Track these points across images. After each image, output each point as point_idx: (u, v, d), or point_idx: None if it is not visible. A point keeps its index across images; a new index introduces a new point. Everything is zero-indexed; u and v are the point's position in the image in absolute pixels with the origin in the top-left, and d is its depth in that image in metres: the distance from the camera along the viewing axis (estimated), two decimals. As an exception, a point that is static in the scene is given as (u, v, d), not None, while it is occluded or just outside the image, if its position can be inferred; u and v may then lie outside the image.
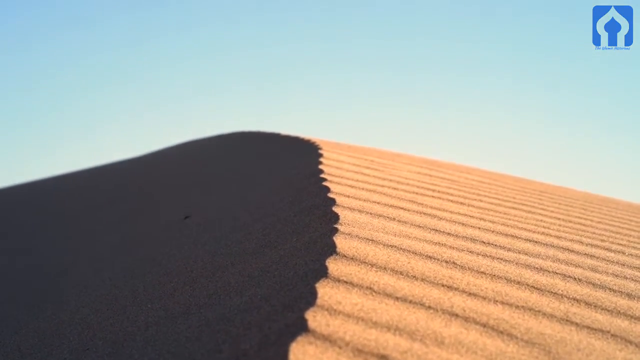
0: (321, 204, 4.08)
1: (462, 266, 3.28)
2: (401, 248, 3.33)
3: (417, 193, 5.21)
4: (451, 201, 5.20)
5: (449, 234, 3.96)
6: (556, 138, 24.63)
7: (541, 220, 5.22)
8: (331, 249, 3.05)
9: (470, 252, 3.61)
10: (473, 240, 3.93)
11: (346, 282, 2.67)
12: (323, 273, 2.73)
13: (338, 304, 2.45)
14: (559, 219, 5.52)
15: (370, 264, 2.95)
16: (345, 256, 2.97)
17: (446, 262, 3.29)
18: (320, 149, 6.74)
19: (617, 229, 5.55)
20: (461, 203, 5.22)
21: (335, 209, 3.90)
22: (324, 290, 2.55)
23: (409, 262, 3.12)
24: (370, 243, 3.27)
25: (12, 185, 15.08)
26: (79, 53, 26.44)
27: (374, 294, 2.63)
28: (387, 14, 22.85)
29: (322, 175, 5.05)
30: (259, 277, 3.18)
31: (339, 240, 3.18)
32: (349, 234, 3.34)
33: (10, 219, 10.45)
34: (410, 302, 2.64)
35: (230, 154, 10.01)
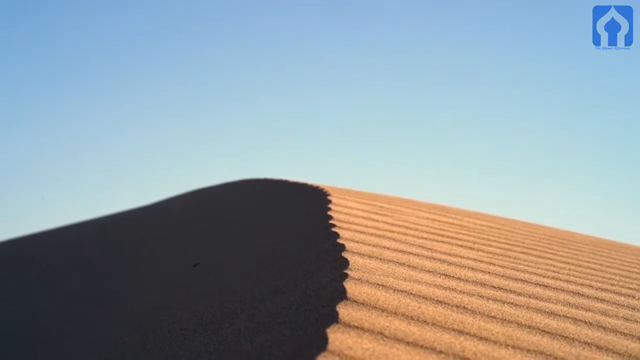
0: (331, 250, 4.09)
1: (472, 310, 3.28)
2: (411, 293, 3.33)
3: (426, 238, 5.21)
4: (460, 246, 5.20)
5: (459, 278, 3.96)
6: (562, 173, 24.55)
7: (551, 265, 5.22)
8: (341, 295, 3.05)
9: (480, 296, 3.61)
10: (483, 284, 3.93)
11: (357, 327, 2.68)
12: (334, 318, 2.74)
13: (349, 349, 2.45)
14: (568, 263, 5.51)
15: (380, 309, 2.96)
16: (356, 301, 2.98)
17: (457, 306, 3.29)
18: (328, 195, 6.76)
19: (626, 273, 5.54)
20: (470, 248, 5.23)
21: (344, 254, 3.91)
22: (335, 336, 2.55)
23: (419, 307, 3.12)
24: (380, 288, 3.27)
25: (25, 235, 15.10)
26: (84, 97, 26.65)
27: (385, 338, 2.64)
28: (392, 58, 23.01)
29: (331, 221, 5.06)
30: (270, 323, 3.18)
31: (349, 286, 3.19)
32: (359, 279, 3.35)
33: (24, 266, 10.46)
34: (422, 346, 2.64)
35: (238, 201, 10.04)
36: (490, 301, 3.55)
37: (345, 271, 3.49)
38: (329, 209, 5.78)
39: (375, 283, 3.34)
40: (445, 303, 3.30)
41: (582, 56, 20.92)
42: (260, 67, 24.23)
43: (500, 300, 3.61)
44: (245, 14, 22.87)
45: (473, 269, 4.35)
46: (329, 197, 6.54)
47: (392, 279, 3.54)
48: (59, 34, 24.95)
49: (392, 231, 5.20)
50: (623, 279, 5.21)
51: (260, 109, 24.96)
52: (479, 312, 3.27)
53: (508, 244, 5.93)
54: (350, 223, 5.17)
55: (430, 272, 3.98)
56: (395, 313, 2.96)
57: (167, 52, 24.80)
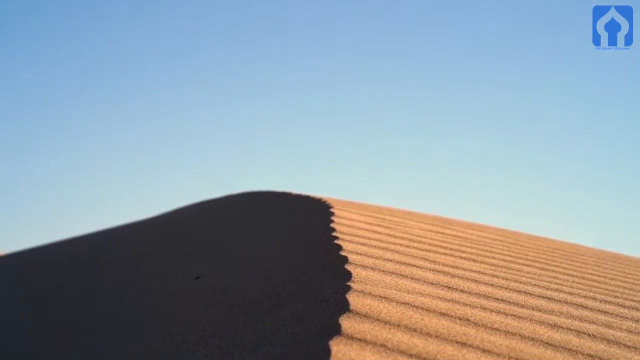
0: (334, 262, 4.09)
1: (475, 323, 3.27)
2: (414, 305, 3.33)
3: (429, 250, 5.21)
4: (464, 258, 5.19)
5: (462, 291, 3.95)
6: (565, 184, 24.46)
7: (554, 277, 5.20)
8: (344, 307, 3.05)
9: (483, 308, 3.60)
10: (486, 297, 3.92)
11: (360, 340, 2.67)
12: (337, 330, 2.73)
13: (352, 362, 2.44)
14: (572, 275, 5.50)
15: (383, 321, 2.95)
16: (359, 313, 2.97)
17: (460, 319, 3.28)
18: (331, 207, 6.76)
19: (630, 286, 5.52)
20: (474, 260, 5.22)
21: (347, 266, 3.90)
22: (338, 348, 2.54)
23: (422, 319, 3.11)
24: (383, 300, 3.26)
25: (28, 248, 15.12)
26: (89, 114, 26.71)
27: (387, 351, 2.63)
28: (394, 68, 23.03)
29: (334, 234, 5.06)
30: (272, 335, 3.17)
31: (352, 298, 3.18)
32: (362, 292, 3.34)
33: (29, 277, 10.46)
34: (425, 359, 2.64)
35: (241, 213, 10.03)
36: (494, 313, 3.54)
37: (348, 283, 3.48)
38: (332, 221, 5.78)
39: (378, 295, 3.34)
40: (448, 315, 3.29)
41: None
42: (263, 81, 24.27)
43: (504, 313, 3.60)
44: (251, 29, 22.92)
45: (476, 281, 4.34)
46: (331, 210, 6.54)
47: (394, 291, 3.54)
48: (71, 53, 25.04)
49: (395, 243, 5.19)
50: (627, 291, 5.20)
51: (264, 123, 25.00)
52: (482, 325, 3.27)
53: (511, 256, 5.92)
54: (353, 235, 5.16)
55: (433, 284, 3.97)
56: (398, 325, 2.95)
57: (174, 68, 24.86)
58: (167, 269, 7.47)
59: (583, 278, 5.47)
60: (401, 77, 23.10)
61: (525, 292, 4.30)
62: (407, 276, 4.03)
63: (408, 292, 3.62)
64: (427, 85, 23.22)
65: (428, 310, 3.30)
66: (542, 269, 5.55)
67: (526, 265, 5.57)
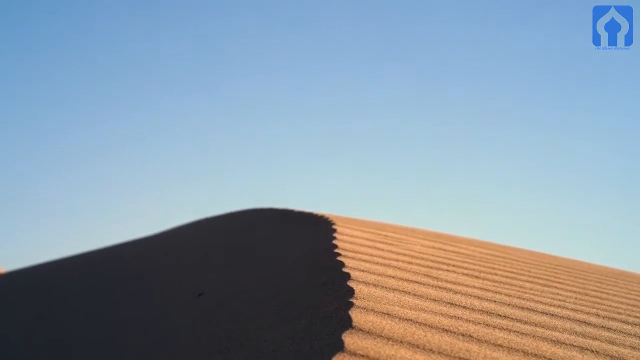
0: (336, 279, 4.08)
1: (478, 339, 3.27)
2: (417, 322, 3.32)
3: (431, 267, 5.20)
4: (466, 275, 5.19)
5: (464, 307, 3.95)
6: (566, 197, 24.35)
7: (557, 294, 5.20)
8: (347, 323, 3.04)
9: (486, 325, 3.59)
10: (489, 313, 3.91)
11: (363, 356, 2.67)
12: (339, 347, 2.73)
13: (355, 378, 2.44)
14: (575, 292, 5.49)
15: (386, 338, 2.94)
16: (362, 330, 2.97)
17: (462, 335, 3.28)
18: (333, 224, 6.75)
19: (633, 302, 5.51)
20: (476, 277, 5.21)
21: (350, 283, 3.90)
22: (341, 364, 2.54)
23: (425, 336, 3.11)
24: (386, 317, 3.26)
25: (40, 262, 15.11)
26: (90, 128, 26.77)
27: (390, 367, 2.62)
28: (395, 82, 23.07)
29: (337, 250, 5.05)
30: (275, 352, 3.17)
31: (355, 315, 3.18)
32: (365, 308, 3.34)
33: (34, 293, 10.46)
34: (428, 375, 2.63)
35: (243, 230, 10.03)
36: (497, 330, 3.53)
37: (351, 300, 3.48)
38: (334, 238, 5.77)
39: (380, 312, 3.33)
40: (451, 332, 3.29)
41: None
42: (265, 97, 24.32)
43: (507, 329, 3.59)
44: (255, 41, 23.01)
45: (479, 297, 4.34)
46: (334, 226, 6.54)
47: (397, 308, 3.53)
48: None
49: (397, 260, 5.19)
50: (630, 307, 5.19)
51: (265, 139, 25.03)
52: (485, 341, 3.26)
53: (514, 272, 5.91)
54: (356, 252, 5.16)
55: (435, 300, 3.96)
56: (401, 342, 2.95)
57: (178, 83, 24.94)
58: (169, 285, 7.46)
59: (586, 294, 5.46)
60: (399, 86, 23.13)
61: (528, 309, 4.29)
62: (409, 293, 4.03)
63: (411, 308, 3.62)
64: (426, 91, 23.24)
65: (431, 326, 3.30)
66: (545, 285, 5.55)
67: (529, 281, 5.56)
